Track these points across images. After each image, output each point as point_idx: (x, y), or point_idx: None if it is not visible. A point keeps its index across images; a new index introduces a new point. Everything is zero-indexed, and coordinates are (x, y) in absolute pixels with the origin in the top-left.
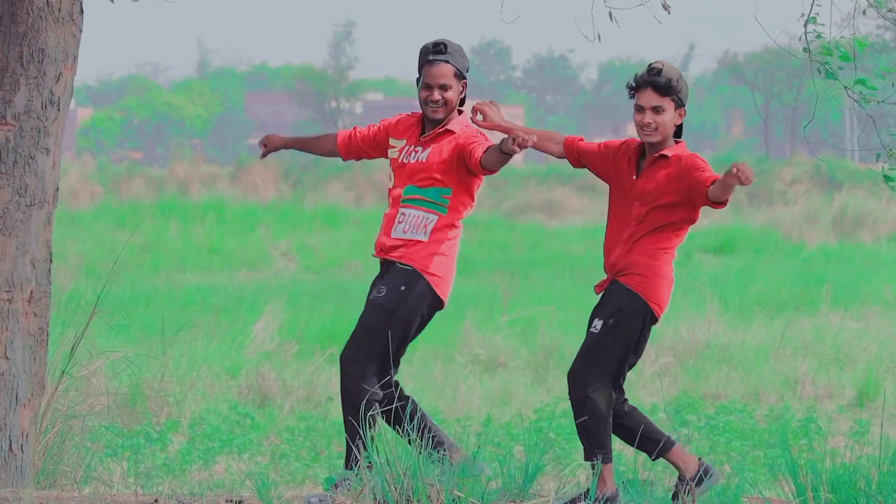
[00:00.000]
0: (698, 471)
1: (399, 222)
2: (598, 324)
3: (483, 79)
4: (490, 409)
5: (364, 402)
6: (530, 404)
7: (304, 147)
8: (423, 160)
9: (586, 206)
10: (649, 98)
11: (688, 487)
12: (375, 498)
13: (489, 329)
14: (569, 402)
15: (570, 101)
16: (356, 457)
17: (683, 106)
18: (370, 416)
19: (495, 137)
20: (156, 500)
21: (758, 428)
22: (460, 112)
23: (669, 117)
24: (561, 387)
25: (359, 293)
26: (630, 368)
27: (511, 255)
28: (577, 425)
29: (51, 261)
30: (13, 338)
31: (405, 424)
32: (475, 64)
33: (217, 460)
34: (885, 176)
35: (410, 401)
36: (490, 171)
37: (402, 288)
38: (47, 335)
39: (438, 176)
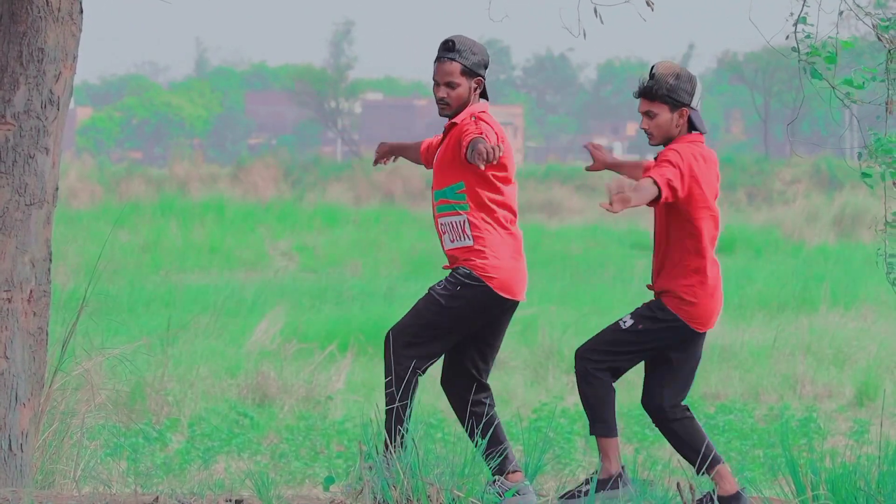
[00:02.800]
0: (735, 494)
1: (444, 233)
2: (627, 320)
3: None
4: None
5: (403, 383)
6: (530, 404)
7: (405, 153)
8: (438, 160)
9: (586, 206)
10: (642, 104)
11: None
12: (375, 498)
13: None
14: (568, 403)
15: (569, 101)
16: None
17: (684, 105)
18: (407, 397)
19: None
20: (155, 500)
21: (757, 427)
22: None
23: (664, 120)
24: (560, 387)
25: (358, 293)
26: (692, 375)
27: None
28: (580, 396)
29: (50, 260)
30: (13, 337)
31: (476, 429)
32: None
33: (217, 460)
34: (862, 173)
35: (490, 410)
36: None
37: (458, 288)
38: (47, 335)
39: (447, 172)
